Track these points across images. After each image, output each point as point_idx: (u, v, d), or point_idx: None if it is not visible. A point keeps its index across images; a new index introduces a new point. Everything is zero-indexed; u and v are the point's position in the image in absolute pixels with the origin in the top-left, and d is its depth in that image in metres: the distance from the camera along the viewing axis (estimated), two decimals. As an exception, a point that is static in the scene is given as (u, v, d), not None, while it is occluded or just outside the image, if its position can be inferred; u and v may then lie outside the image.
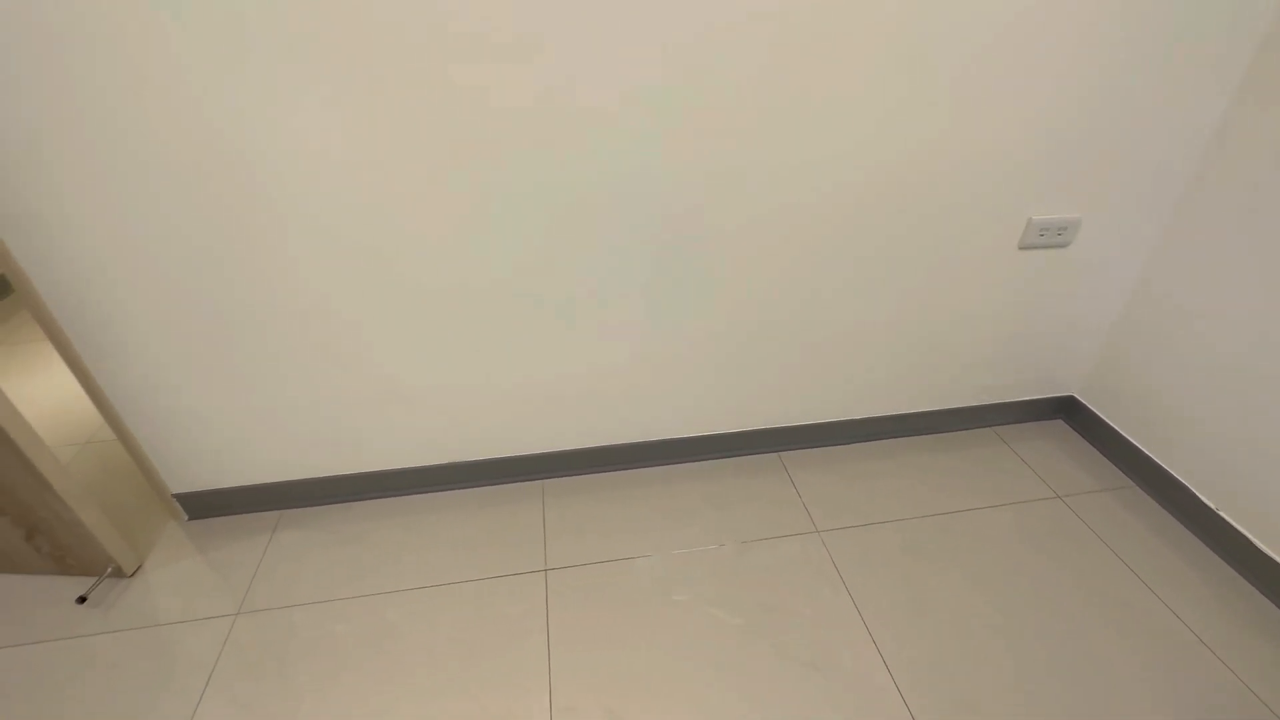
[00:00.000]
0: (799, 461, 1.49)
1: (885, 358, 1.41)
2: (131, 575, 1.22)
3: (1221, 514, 1.24)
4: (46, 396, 1.74)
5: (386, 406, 1.27)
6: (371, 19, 0.87)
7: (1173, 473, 1.34)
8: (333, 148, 0.96)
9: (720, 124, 1.04)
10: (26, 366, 1.87)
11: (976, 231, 1.24)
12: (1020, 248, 1.28)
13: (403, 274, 1.11)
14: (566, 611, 1.16)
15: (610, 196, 1.09)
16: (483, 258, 1.11)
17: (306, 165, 0.97)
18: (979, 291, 1.34)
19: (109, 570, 1.19)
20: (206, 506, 1.34)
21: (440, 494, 1.41)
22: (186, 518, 1.35)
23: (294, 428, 1.26)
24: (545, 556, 1.26)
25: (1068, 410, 1.60)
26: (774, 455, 1.51)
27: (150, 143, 0.92)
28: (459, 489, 1.42)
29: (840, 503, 1.38)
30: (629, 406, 1.37)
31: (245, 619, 1.15)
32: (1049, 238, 1.27)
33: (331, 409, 1.25)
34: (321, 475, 1.34)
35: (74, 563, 1.20)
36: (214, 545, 1.29)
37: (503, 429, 1.36)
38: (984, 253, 1.28)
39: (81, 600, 1.15)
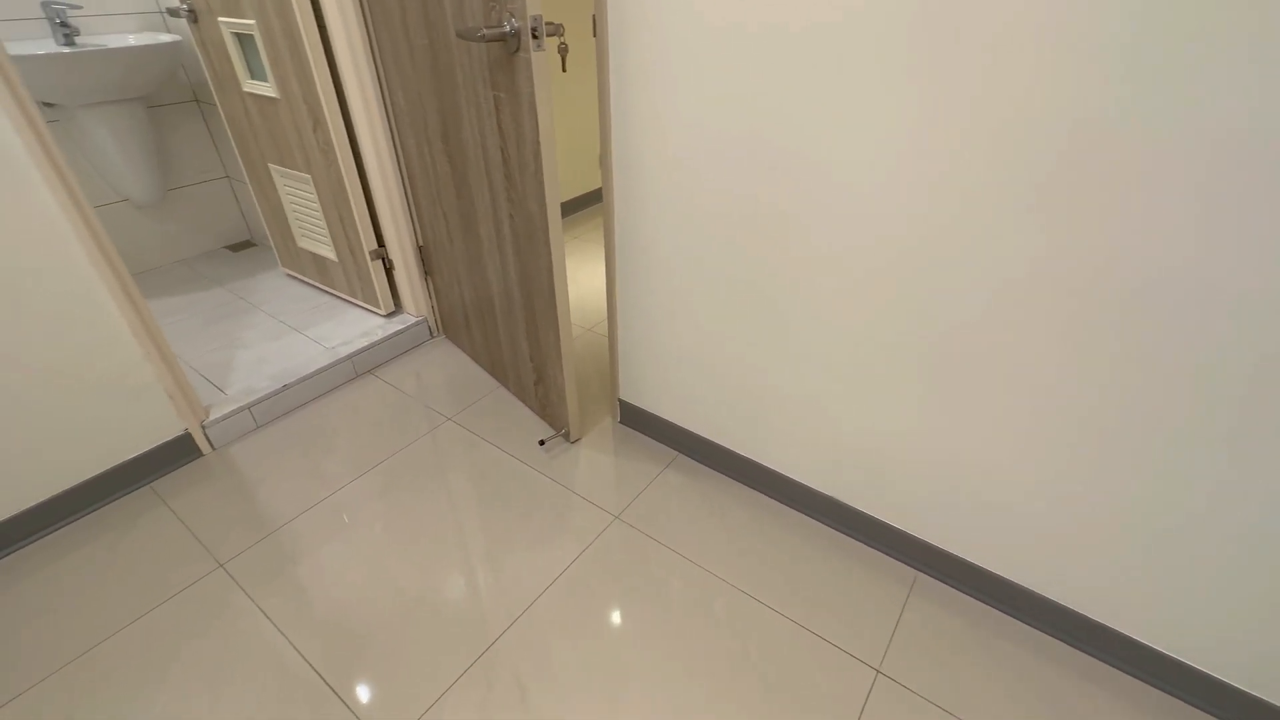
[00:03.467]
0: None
1: None
2: (573, 442, 1.56)
3: None
4: (584, 284, 2.33)
5: (805, 419, 1.24)
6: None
7: None
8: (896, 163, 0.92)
9: None
10: (587, 258, 2.55)
11: None
12: None
13: (934, 319, 1.02)
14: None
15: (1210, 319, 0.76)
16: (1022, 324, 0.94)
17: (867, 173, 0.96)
18: None
19: (563, 431, 1.54)
20: (633, 417, 1.59)
21: (813, 523, 1.35)
22: (619, 420, 1.63)
23: (724, 396, 1.36)
24: (884, 655, 1.08)
25: None
26: (1301, 767, 0.94)
27: (718, 134, 1.04)
28: (840, 533, 1.33)
29: None
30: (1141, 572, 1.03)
31: (618, 526, 1.33)
32: None
33: (759, 402, 1.29)
34: (724, 444, 1.43)
35: (549, 414, 1.59)
36: (625, 452, 1.53)
37: (960, 530, 1.19)
38: None
39: (541, 444, 1.53)
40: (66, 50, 1.70)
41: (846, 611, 1.16)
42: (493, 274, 1.51)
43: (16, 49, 1.68)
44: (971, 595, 1.19)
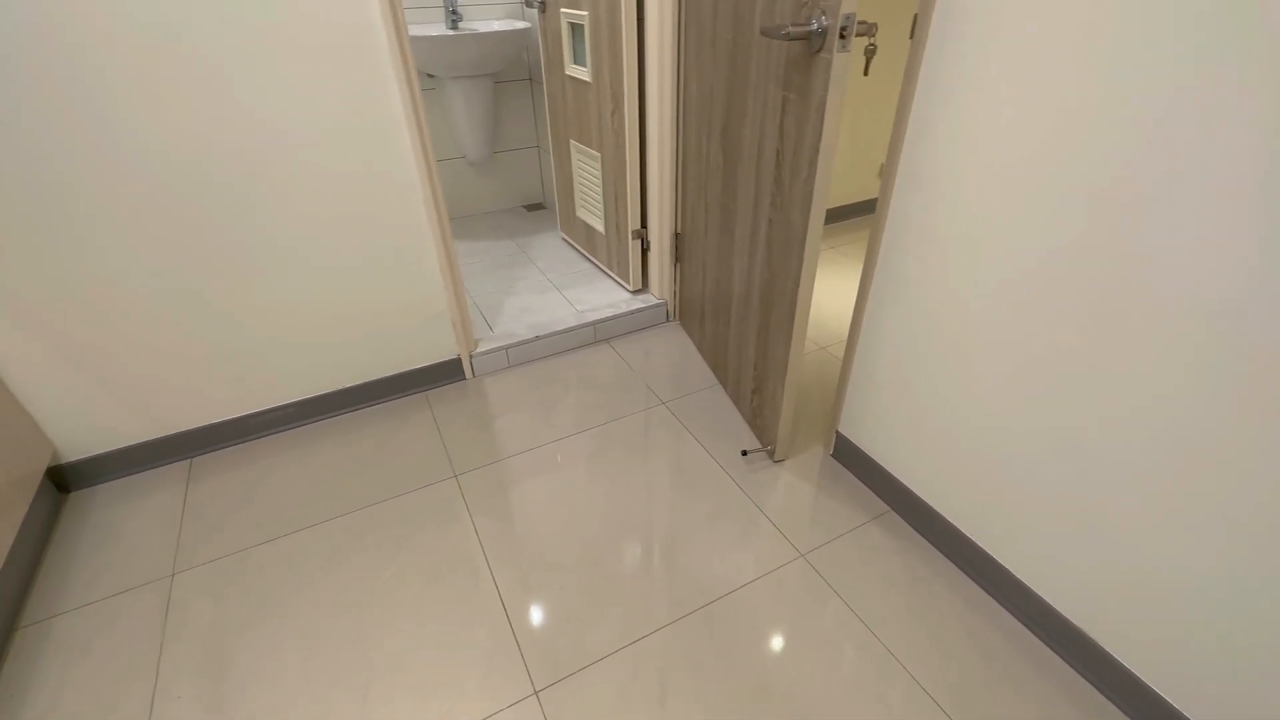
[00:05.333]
0: None
1: None
2: (777, 461, 1.49)
3: None
4: (828, 298, 2.20)
5: (1081, 532, 1.00)
6: None
7: None
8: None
9: None
10: (840, 272, 2.40)
11: None
12: None
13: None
14: None
15: None
16: None
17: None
18: None
19: (769, 447, 1.48)
20: (848, 454, 1.45)
21: (1048, 651, 1.09)
22: (831, 452, 1.51)
23: (973, 471, 1.16)
24: None
25: None
26: None
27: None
28: (1085, 680, 1.06)
29: None
30: None
31: (801, 565, 1.24)
32: None
33: (1022, 494, 1.08)
34: (951, 519, 1.23)
35: (759, 426, 1.53)
36: (830, 489, 1.42)
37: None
38: None
39: (744, 454, 1.49)
40: (451, 32, 2.10)
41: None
42: (738, 273, 1.49)
43: (416, 30, 2.12)
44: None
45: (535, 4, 2.05)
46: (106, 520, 1.36)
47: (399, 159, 1.43)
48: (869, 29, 0.98)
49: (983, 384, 1.07)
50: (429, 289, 1.62)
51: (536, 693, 1.03)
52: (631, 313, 1.98)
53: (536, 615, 1.15)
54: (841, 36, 0.94)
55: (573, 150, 2.13)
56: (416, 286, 1.60)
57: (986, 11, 0.89)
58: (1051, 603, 1.07)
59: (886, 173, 1.13)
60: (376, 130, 1.38)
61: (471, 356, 1.78)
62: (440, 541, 1.30)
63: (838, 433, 1.47)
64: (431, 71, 2.25)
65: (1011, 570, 1.13)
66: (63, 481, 1.42)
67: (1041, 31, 0.83)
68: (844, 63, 0.97)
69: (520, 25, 2.25)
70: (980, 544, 1.17)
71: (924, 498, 1.28)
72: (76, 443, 1.40)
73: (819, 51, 0.99)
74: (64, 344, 1.30)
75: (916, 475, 1.28)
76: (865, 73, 1.09)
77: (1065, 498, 0.99)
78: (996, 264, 0.99)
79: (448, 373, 1.76)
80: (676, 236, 1.91)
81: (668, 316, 2.05)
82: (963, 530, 1.21)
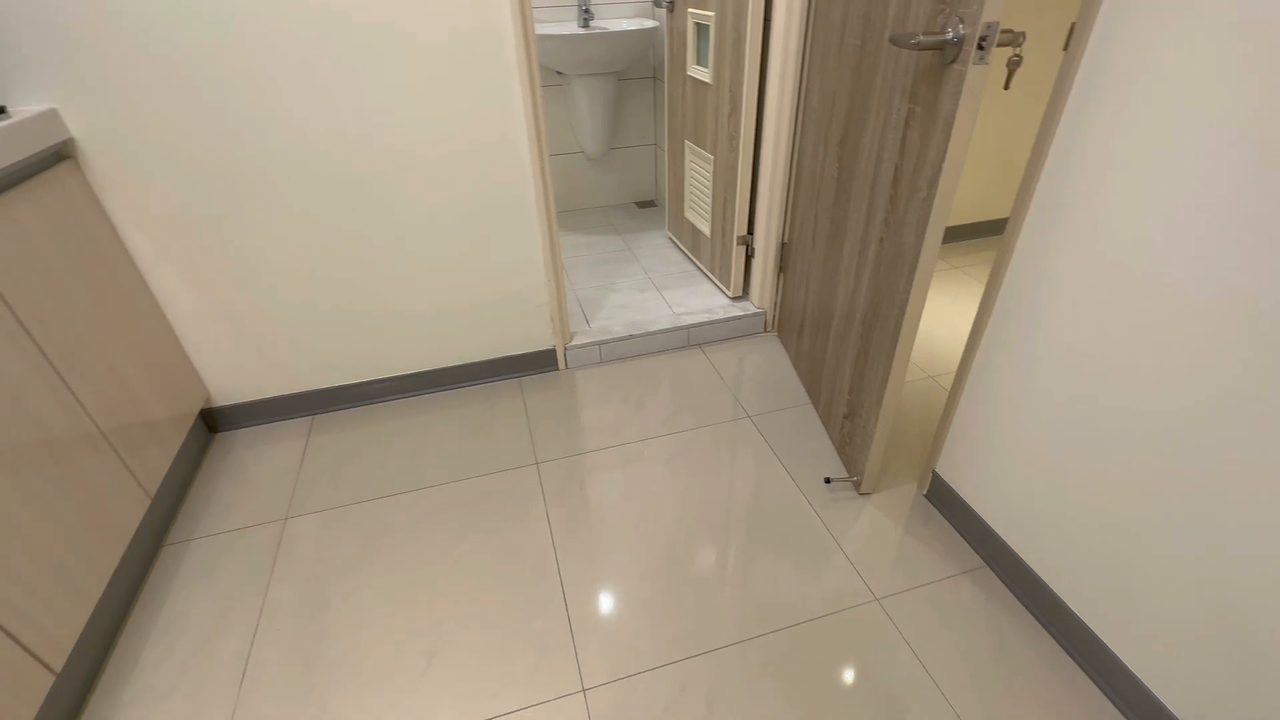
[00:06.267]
0: None
1: None
2: (861, 494, 1.40)
3: None
4: (941, 323, 2.03)
5: (1208, 618, 0.86)
6: None
7: None
8: None
9: None
10: (957, 293, 2.21)
11: None
12: None
13: None
14: None
15: None
16: None
17: None
18: None
19: (855, 478, 1.40)
20: (943, 498, 1.34)
21: None
22: (924, 492, 1.40)
23: (1086, 540, 1.03)
24: None
25: None
26: None
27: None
28: None
29: None
30: None
31: (874, 610, 1.16)
32: None
33: (1136, 570, 0.94)
34: (1053, 586, 1.10)
35: (847, 454, 1.45)
36: (918, 533, 1.31)
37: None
38: None
39: (827, 481, 1.41)
40: (582, 31, 2.16)
41: None
42: (842, 290, 1.41)
43: (548, 29, 2.20)
44: None
45: (664, 3, 2.05)
46: (241, 461, 1.55)
47: (515, 155, 1.49)
48: (1014, 39, 0.88)
49: (1122, 453, 0.94)
50: (532, 280, 1.68)
51: (584, 690, 1.05)
52: (729, 319, 1.95)
53: (595, 613, 1.17)
54: (980, 47, 0.85)
55: (687, 151, 2.12)
56: (521, 277, 1.67)
57: (1167, 20, 0.77)
58: (1160, 697, 0.92)
59: (1021, 195, 1.01)
60: (496, 127, 1.44)
61: (566, 349, 1.83)
62: (514, 526, 1.35)
63: (934, 472, 1.36)
64: (560, 69, 2.32)
65: (1130, 666, 0.98)
66: (212, 423, 1.64)
67: (1246, 51, 0.71)
68: (979, 76, 0.88)
69: (649, 24, 2.26)
70: (1094, 628, 1.04)
71: (1028, 560, 1.15)
72: (226, 390, 1.60)
73: (952, 63, 0.91)
74: (225, 304, 1.49)
75: (1022, 535, 1.16)
76: (1006, 86, 0.99)
77: (1217, 617, 0.85)
78: (1153, 317, 0.86)
79: (542, 362, 1.83)
80: (782, 246, 1.85)
81: (765, 327, 2.00)
82: (1073, 608, 1.07)
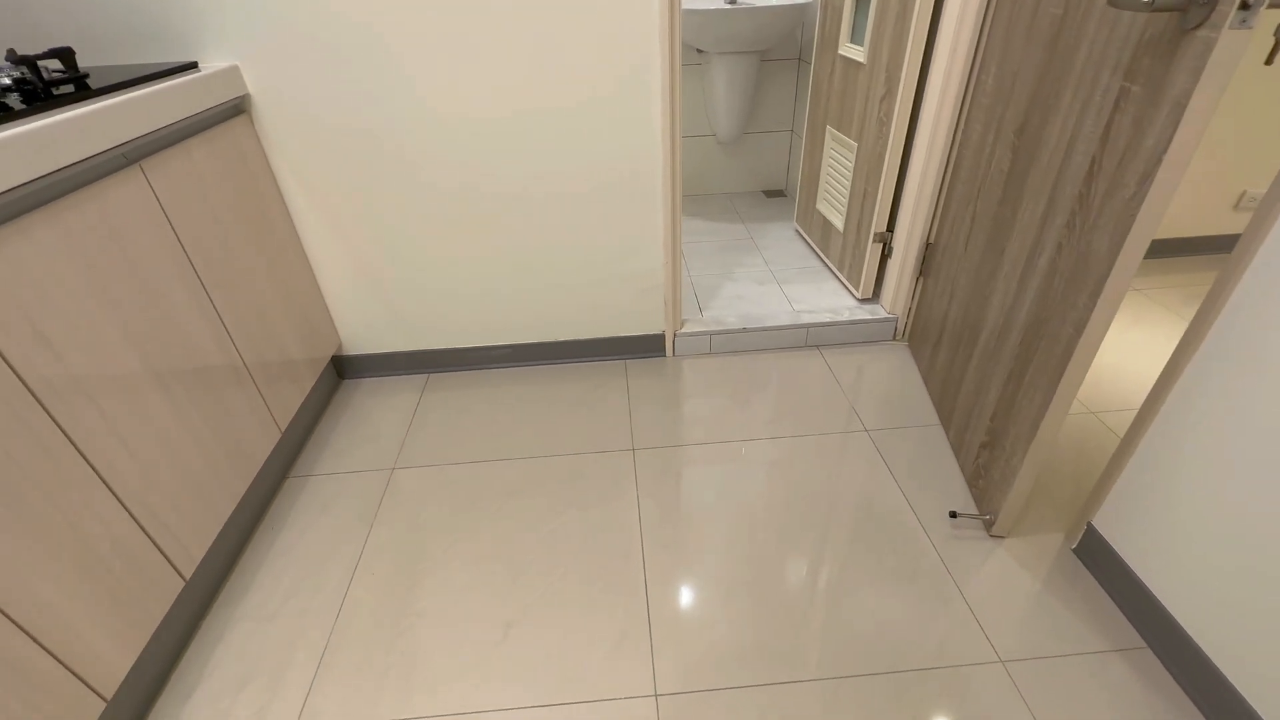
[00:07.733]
0: None
1: None
2: (993, 536, 1.22)
3: None
4: (1116, 350, 1.74)
5: None
6: None
7: None
8: None
9: None
10: (1142, 318, 1.89)
11: None
12: None
13: None
14: None
15: None
16: None
17: None
18: None
19: (987, 516, 1.22)
20: (1098, 556, 1.13)
21: None
22: (1074, 545, 1.19)
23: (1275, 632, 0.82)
24: None
25: None
26: None
27: None
28: None
29: None
30: None
31: (997, 674, 1.00)
32: None
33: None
34: (1237, 681, 0.89)
35: (979, 487, 1.27)
36: (1061, 593, 1.12)
37: None
38: None
39: (953, 515, 1.25)
40: (727, 7, 2.06)
41: None
42: (997, 301, 1.23)
43: (690, 3, 2.11)
44: None
45: (821, -24, 1.90)
46: (363, 408, 1.65)
47: (648, 134, 1.44)
48: (1293, -3, 0.69)
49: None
50: (650, 263, 1.63)
51: (656, 695, 0.99)
52: (854, 322, 1.79)
53: (676, 614, 1.11)
54: (1244, 6, 0.67)
55: (827, 137, 1.96)
56: (639, 259, 1.62)
57: None
58: None
59: (1264, 207, 0.80)
60: (632, 104, 1.40)
61: (675, 335, 1.76)
62: (604, 510, 1.32)
63: (1090, 525, 1.15)
64: (701, 46, 2.24)
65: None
66: (341, 369, 1.75)
67: None
68: (1236, 44, 0.70)
69: (801, 0, 2.11)
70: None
71: (1207, 650, 0.93)
72: (357, 340, 1.71)
73: (1198, 27, 0.72)
74: (365, 262, 1.57)
75: (1203, 619, 0.94)
76: (1268, 61, 0.78)
77: None
78: None
79: (649, 347, 1.78)
80: (927, 246, 1.66)
81: (895, 334, 1.81)
82: (1244, 695, 0.86)
